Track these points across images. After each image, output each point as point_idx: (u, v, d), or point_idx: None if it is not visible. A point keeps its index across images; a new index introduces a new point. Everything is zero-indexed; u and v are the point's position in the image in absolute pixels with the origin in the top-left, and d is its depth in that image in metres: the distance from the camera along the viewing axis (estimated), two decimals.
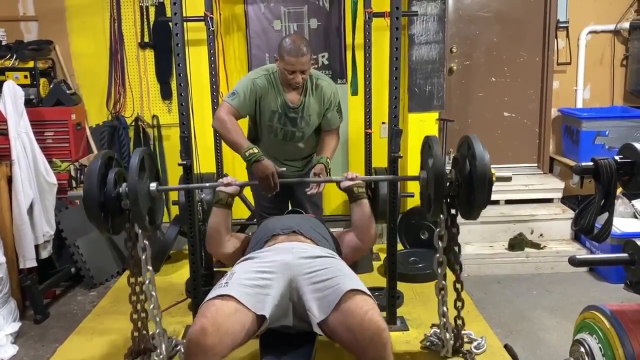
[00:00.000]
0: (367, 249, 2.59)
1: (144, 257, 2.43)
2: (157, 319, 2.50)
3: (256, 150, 2.65)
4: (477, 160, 2.20)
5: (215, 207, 2.45)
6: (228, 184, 2.45)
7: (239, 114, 2.80)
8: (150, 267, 2.46)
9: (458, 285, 2.50)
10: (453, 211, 2.44)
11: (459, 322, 2.56)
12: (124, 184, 2.27)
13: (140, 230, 2.38)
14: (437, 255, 2.50)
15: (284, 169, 2.68)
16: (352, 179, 2.50)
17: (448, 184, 2.33)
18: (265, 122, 2.87)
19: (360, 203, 2.47)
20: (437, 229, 2.47)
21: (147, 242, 2.42)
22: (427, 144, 2.41)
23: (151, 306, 2.46)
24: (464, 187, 2.31)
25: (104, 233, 2.35)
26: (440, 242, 2.48)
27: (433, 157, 2.29)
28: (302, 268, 2.09)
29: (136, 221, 2.33)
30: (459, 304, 2.52)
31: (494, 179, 2.22)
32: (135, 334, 2.46)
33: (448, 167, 2.41)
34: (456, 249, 2.49)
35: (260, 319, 1.99)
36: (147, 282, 2.45)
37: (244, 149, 2.66)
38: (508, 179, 2.33)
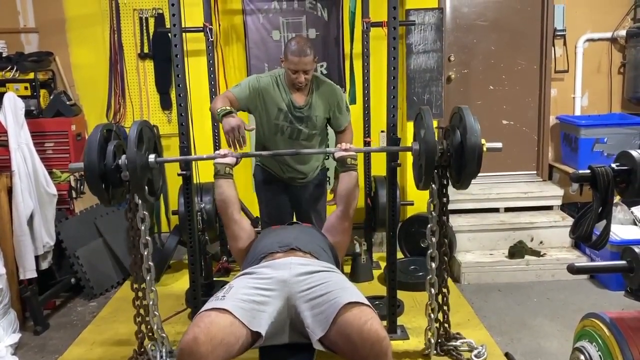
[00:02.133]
0: (350, 221, 2.60)
1: (142, 227, 2.53)
2: (152, 287, 2.61)
3: (227, 108, 2.72)
4: (468, 131, 2.27)
5: (217, 179, 2.55)
6: (224, 155, 2.56)
7: (237, 102, 2.87)
8: (149, 238, 2.57)
9: (445, 259, 2.64)
10: (444, 181, 2.53)
11: (444, 299, 2.66)
12: (123, 156, 2.34)
13: (140, 201, 2.48)
14: (430, 225, 2.58)
15: (253, 126, 2.75)
16: (345, 150, 2.62)
17: (440, 154, 2.41)
18: (272, 121, 2.93)
19: (350, 173, 2.59)
20: (429, 199, 2.56)
21: (146, 213, 2.53)
22: (420, 115, 2.47)
23: (147, 277, 2.58)
24: (455, 158, 2.39)
25: (105, 204, 2.42)
26: (433, 212, 2.56)
27: (425, 128, 2.35)
28: (299, 285, 2.09)
29: (136, 192, 2.42)
30: (445, 273, 2.64)
31: (484, 149, 2.30)
32: (139, 294, 2.61)
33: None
34: (445, 218, 2.59)
35: (256, 335, 1.98)
36: (145, 253, 2.56)
37: (218, 108, 2.73)
38: (498, 149, 2.41)
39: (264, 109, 2.92)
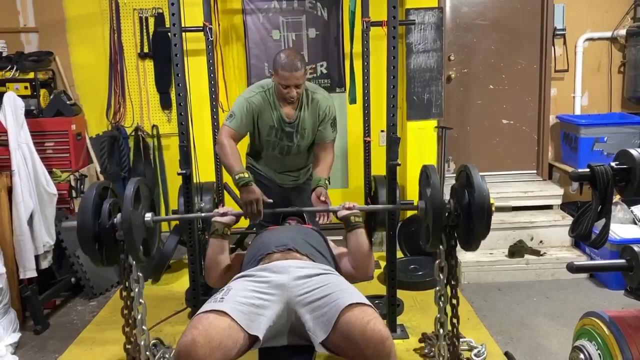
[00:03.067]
0: (360, 279, 2.48)
1: (137, 289, 2.37)
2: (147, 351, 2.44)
3: (246, 175, 2.63)
4: (475, 190, 2.16)
5: (212, 237, 2.40)
6: (224, 214, 2.41)
7: (239, 134, 2.83)
8: (142, 301, 2.40)
9: (455, 321, 2.41)
10: (452, 242, 2.36)
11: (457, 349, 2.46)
12: (119, 215, 2.21)
13: (134, 262, 2.33)
14: (438, 287, 2.40)
15: (271, 200, 2.68)
16: (349, 209, 2.45)
17: (447, 214, 2.28)
18: (264, 138, 2.91)
19: (356, 232, 2.41)
20: (437, 261, 2.39)
21: (140, 275, 2.38)
22: (425, 174, 2.35)
23: (142, 342, 2.40)
24: (463, 218, 2.26)
25: (97, 264, 2.27)
26: (440, 274, 2.39)
27: (431, 186, 2.25)
28: (298, 289, 2.07)
29: (130, 252, 2.27)
30: (455, 340, 2.43)
31: (493, 209, 2.18)
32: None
33: (448, 174, 2.39)
34: (454, 282, 2.39)
35: (253, 338, 1.97)
36: (139, 317, 2.39)
37: (235, 172, 2.65)
38: (508, 209, 2.31)
39: (258, 128, 2.89)
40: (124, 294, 2.35)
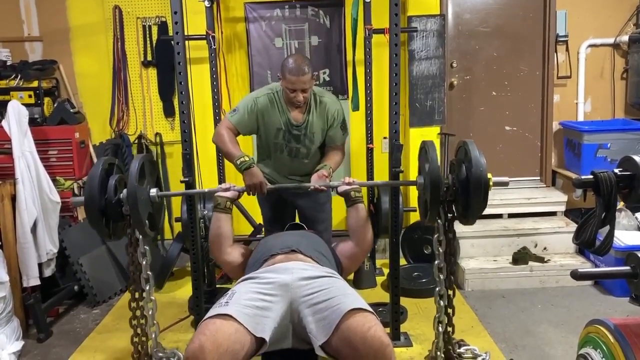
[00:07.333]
0: (364, 254, 2.61)
1: (144, 262, 2.47)
2: (155, 327, 2.54)
3: (247, 159, 2.73)
4: (473, 165, 2.24)
5: (215, 211, 2.52)
6: (227, 189, 2.54)
7: (237, 130, 2.87)
8: (150, 273, 2.51)
9: (450, 292, 2.49)
10: (450, 216, 2.46)
11: (449, 329, 2.54)
12: (125, 190, 2.31)
13: (140, 236, 2.43)
14: (437, 261, 2.49)
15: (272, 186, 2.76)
16: (349, 184, 2.56)
17: (445, 188, 2.36)
18: (271, 140, 2.92)
19: (357, 207, 2.54)
20: (436, 234, 2.48)
21: (147, 248, 2.48)
22: (424, 149, 2.44)
23: (150, 312, 2.52)
24: (460, 192, 2.34)
25: (105, 238, 2.43)
26: (440, 248, 2.48)
27: (429, 162, 2.32)
28: (301, 290, 2.08)
29: (136, 226, 2.37)
30: (449, 311, 2.52)
31: (490, 184, 2.26)
32: (135, 339, 2.51)
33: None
34: (451, 255, 2.50)
35: (260, 341, 1.97)
36: (147, 288, 2.50)
37: (236, 157, 2.75)
38: (505, 184, 2.38)
39: (264, 129, 2.91)
40: (131, 268, 2.48)
